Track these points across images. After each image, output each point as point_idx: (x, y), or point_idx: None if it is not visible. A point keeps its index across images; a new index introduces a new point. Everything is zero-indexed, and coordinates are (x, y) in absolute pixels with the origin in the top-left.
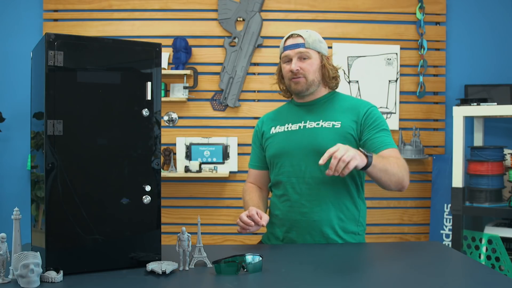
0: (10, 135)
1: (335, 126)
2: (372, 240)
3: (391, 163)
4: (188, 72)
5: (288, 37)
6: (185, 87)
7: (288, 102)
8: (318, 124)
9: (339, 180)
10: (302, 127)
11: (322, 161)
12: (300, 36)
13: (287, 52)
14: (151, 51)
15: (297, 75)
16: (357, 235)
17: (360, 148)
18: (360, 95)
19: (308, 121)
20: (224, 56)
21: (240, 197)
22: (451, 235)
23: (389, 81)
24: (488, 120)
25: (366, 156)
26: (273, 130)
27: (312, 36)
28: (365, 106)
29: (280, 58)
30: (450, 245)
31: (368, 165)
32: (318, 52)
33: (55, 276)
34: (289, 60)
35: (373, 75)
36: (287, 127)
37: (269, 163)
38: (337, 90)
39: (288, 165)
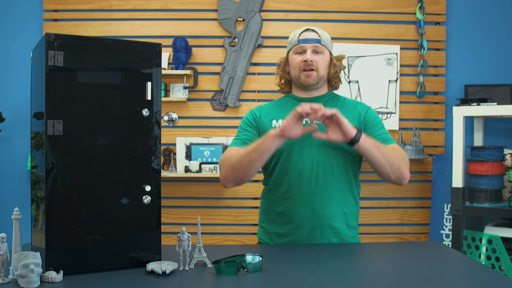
0: (10, 135)
1: None
2: (372, 240)
3: (387, 148)
4: (188, 72)
5: (304, 31)
6: (185, 87)
7: (286, 96)
8: None
9: (344, 176)
10: (308, 123)
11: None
12: (316, 32)
13: (303, 44)
14: (151, 51)
15: (310, 67)
16: (356, 229)
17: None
18: (360, 95)
19: None
20: (224, 56)
21: (240, 197)
22: (451, 235)
23: (389, 81)
24: (488, 120)
25: (356, 130)
26: (274, 124)
27: (324, 34)
28: (364, 107)
29: (287, 51)
30: (450, 245)
31: (356, 139)
32: (329, 51)
33: (55, 276)
34: (302, 51)
35: (373, 75)
36: None
37: (270, 158)
38: (337, 90)
39: (297, 160)
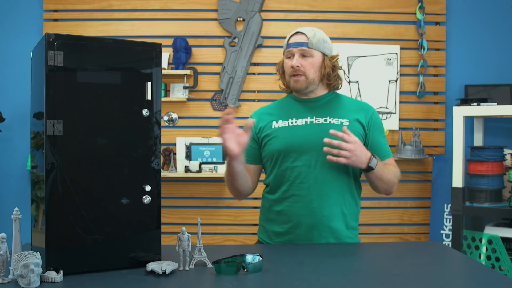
0: (10, 135)
1: (344, 124)
2: (372, 240)
3: (388, 173)
4: (188, 72)
5: (293, 34)
6: (185, 87)
7: (287, 97)
8: (325, 120)
9: (344, 177)
10: (309, 123)
11: (333, 132)
12: (305, 35)
13: (290, 49)
14: (151, 51)
15: (297, 72)
16: (355, 230)
17: (374, 155)
18: (360, 95)
19: (314, 117)
20: (224, 56)
21: None
22: (451, 235)
23: (389, 81)
24: (488, 120)
25: (369, 162)
26: (274, 125)
27: (316, 36)
28: (370, 109)
29: (283, 54)
30: (450, 245)
31: (367, 169)
32: (321, 52)
33: (55, 276)
34: (291, 55)
35: (373, 75)
36: (292, 122)
37: (270, 158)
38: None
39: (297, 160)
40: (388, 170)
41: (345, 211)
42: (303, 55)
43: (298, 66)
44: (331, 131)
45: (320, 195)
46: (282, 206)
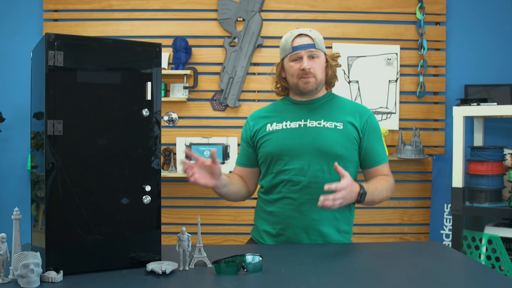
0: (10, 135)
1: (338, 127)
2: (372, 240)
3: (379, 194)
4: (188, 72)
5: (297, 36)
6: (185, 87)
7: (283, 99)
8: (319, 123)
9: (337, 180)
10: (302, 126)
11: (327, 187)
12: (309, 36)
13: (298, 51)
14: (151, 51)
15: (308, 74)
16: (348, 234)
17: (362, 187)
18: (360, 95)
19: (308, 120)
20: (224, 56)
21: None
22: (451, 235)
23: (389, 81)
24: (488, 120)
25: (358, 198)
26: (269, 127)
27: (318, 36)
28: (366, 112)
29: (282, 58)
30: (450, 245)
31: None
32: (323, 52)
33: (55, 276)
34: (297, 58)
35: (373, 75)
36: (286, 125)
37: (264, 160)
38: (336, 90)
39: (289, 163)
40: (379, 190)
41: (337, 215)
42: (311, 57)
43: (309, 69)
44: (326, 186)
45: (311, 198)
46: (273, 207)
